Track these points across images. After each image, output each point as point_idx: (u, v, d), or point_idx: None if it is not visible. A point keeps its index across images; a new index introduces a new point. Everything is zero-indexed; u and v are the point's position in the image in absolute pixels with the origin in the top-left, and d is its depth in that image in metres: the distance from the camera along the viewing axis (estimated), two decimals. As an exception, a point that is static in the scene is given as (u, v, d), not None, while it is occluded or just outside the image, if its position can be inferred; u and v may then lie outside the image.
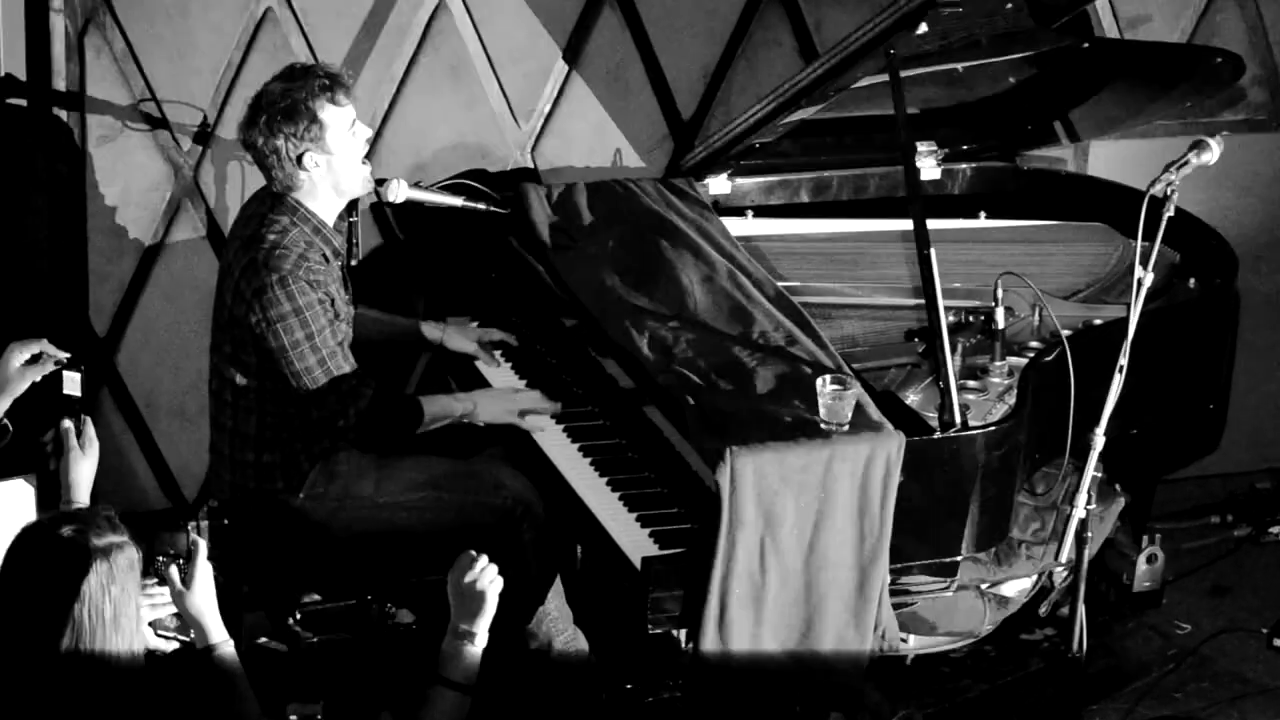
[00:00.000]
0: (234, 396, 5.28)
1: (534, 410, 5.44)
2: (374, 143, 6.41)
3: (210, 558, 4.20)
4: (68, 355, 4.68)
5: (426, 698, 4.19)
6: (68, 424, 4.49)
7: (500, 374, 5.77)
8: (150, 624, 4.21)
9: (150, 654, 4.07)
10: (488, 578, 4.25)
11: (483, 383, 5.72)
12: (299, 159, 5.18)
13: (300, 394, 5.18)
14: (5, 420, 4.65)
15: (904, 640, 5.33)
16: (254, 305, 5.13)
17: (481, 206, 5.96)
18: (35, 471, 4.78)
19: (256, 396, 5.25)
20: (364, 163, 5.32)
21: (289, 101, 5.16)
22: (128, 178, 6.36)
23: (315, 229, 5.24)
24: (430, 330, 5.88)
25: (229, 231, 5.45)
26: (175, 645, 4.27)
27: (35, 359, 4.68)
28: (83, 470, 4.56)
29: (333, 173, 5.24)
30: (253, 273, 5.14)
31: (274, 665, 5.52)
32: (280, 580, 5.41)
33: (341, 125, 5.21)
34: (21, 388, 4.67)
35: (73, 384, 4.53)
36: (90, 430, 4.59)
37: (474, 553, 4.29)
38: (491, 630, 4.24)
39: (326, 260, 5.24)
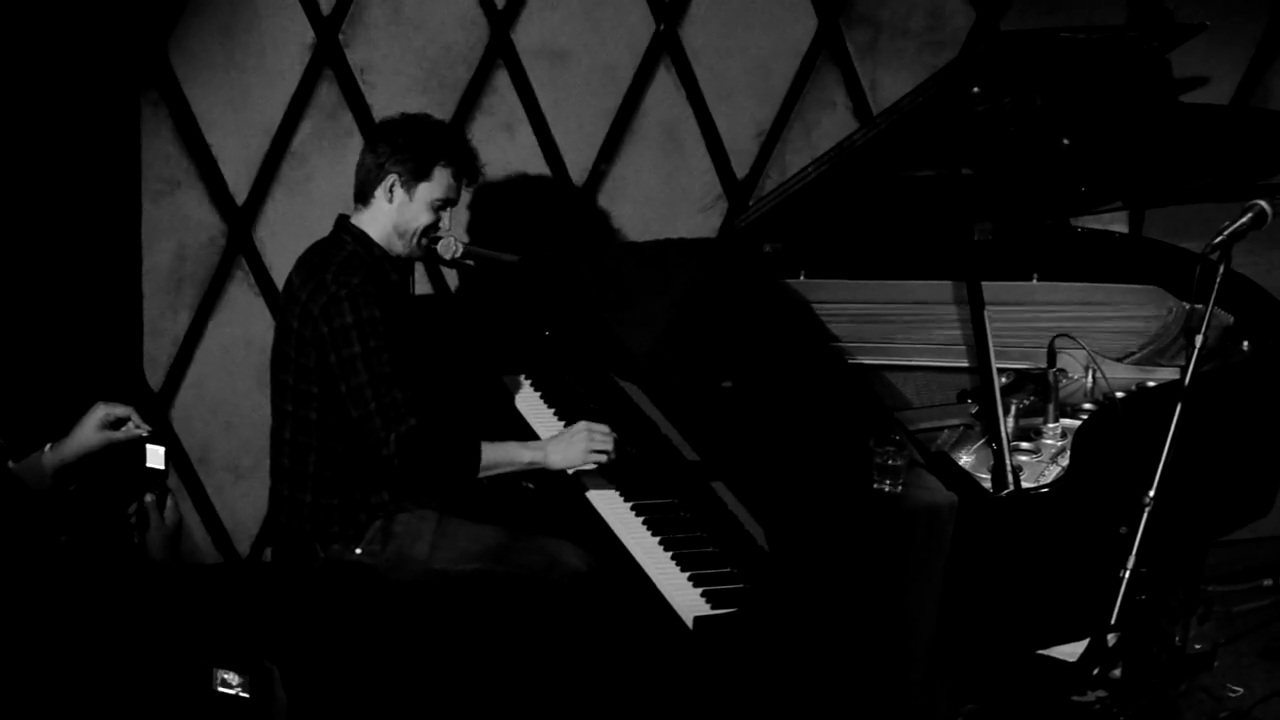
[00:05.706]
0: (293, 433, 5.31)
1: (605, 448, 5.35)
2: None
3: None
4: (150, 429, 4.71)
5: None
6: (151, 498, 4.53)
7: (548, 425, 5.77)
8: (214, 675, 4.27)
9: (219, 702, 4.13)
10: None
11: (530, 435, 5.71)
12: (382, 168, 5.28)
13: (351, 418, 5.19)
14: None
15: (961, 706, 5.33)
16: (320, 319, 5.17)
17: (533, 263, 5.99)
18: (120, 543, 4.80)
19: (317, 432, 5.27)
20: (420, 241, 5.37)
21: (443, 138, 5.35)
22: (183, 233, 6.40)
23: (377, 254, 5.30)
24: None
25: (293, 270, 5.43)
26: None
27: (119, 424, 4.71)
28: (167, 542, 4.58)
29: (398, 214, 5.30)
30: (320, 289, 5.20)
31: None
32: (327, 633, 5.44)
33: (438, 190, 5.30)
34: (94, 444, 4.68)
35: (156, 458, 4.57)
36: (173, 504, 4.62)
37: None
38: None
39: (390, 281, 5.31)
